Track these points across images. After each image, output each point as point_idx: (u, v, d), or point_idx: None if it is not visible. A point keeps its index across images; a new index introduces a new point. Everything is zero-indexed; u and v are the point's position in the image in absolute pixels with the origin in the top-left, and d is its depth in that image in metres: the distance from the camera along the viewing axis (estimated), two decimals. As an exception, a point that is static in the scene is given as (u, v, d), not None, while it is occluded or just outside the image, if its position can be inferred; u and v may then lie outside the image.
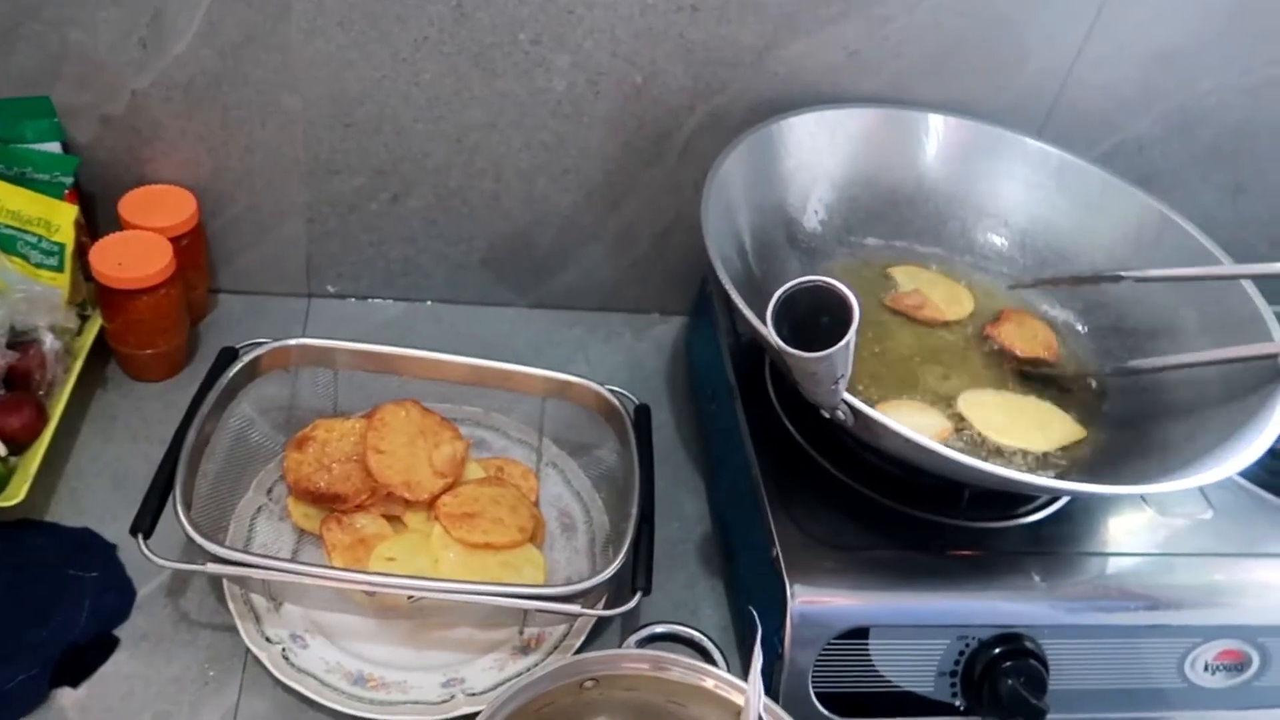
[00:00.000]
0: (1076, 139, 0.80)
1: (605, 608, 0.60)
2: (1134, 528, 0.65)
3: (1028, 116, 0.80)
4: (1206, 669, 0.63)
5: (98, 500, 0.67)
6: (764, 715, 0.46)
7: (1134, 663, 0.62)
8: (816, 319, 0.48)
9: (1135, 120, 0.82)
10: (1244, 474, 0.68)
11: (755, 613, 0.57)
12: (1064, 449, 0.65)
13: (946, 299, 0.73)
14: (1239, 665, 0.63)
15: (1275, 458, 0.71)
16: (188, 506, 0.57)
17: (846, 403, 0.52)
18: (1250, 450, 0.57)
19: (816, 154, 0.75)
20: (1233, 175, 0.86)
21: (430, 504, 0.66)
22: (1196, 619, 0.62)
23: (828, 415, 0.55)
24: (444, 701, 0.58)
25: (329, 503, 0.65)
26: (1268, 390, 0.61)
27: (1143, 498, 0.67)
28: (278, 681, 0.58)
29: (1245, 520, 0.67)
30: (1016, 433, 0.65)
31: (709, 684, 0.53)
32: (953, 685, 0.60)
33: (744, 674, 0.56)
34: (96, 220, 0.76)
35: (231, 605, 0.60)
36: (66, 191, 0.72)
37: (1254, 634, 0.62)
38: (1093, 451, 0.65)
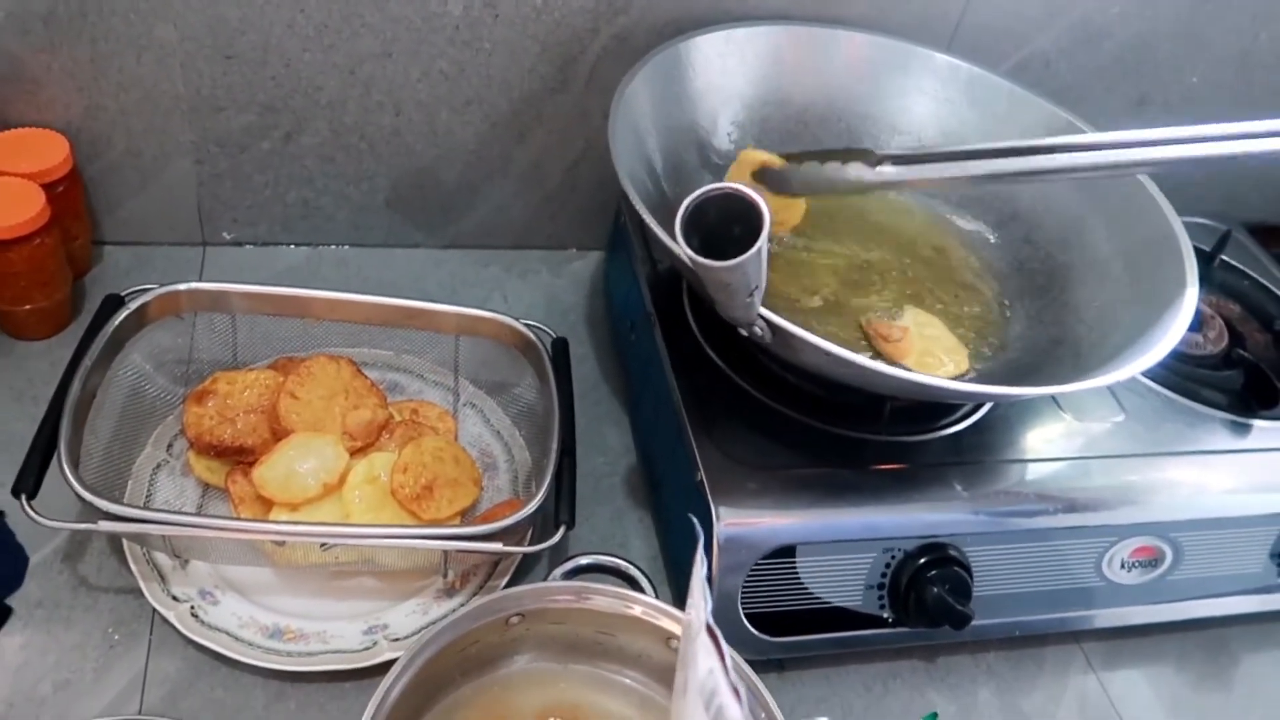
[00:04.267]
0: (984, 55, 0.79)
1: (530, 545, 0.59)
2: (1051, 434, 0.66)
3: (935, 32, 0.79)
4: (1123, 566, 0.64)
5: (-20, 466, 0.62)
6: (711, 622, 0.44)
7: (1054, 564, 0.63)
8: (728, 229, 0.46)
9: (1040, 33, 0.82)
10: (1152, 376, 0.70)
11: (695, 519, 0.55)
12: (981, 358, 0.66)
13: (929, 352, 0.65)
14: (1153, 561, 0.65)
15: (1180, 360, 0.73)
16: (75, 464, 0.53)
17: (763, 317, 0.51)
18: (1154, 352, 0.58)
19: (726, 74, 0.73)
20: (1135, 87, 0.87)
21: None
22: (1112, 519, 0.63)
23: (745, 333, 0.54)
24: (366, 649, 0.56)
25: (234, 456, 0.62)
26: (1172, 294, 0.62)
27: (1058, 404, 0.68)
28: (189, 641, 0.55)
29: (1154, 422, 0.69)
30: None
31: (636, 610, 0.53)
32: (880, 597, 0.60)
33: (673, 601, 0.55)
34: (-43, 169, 0.70)
35: (134, 566, 0.57)
36: (-82, 137, 0.66)
37: (1166, 530, 0.64)
38: (1008, 359, 0.66)
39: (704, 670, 0.40)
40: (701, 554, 0.41)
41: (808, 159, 0.63)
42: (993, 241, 0.74)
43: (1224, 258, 0.84)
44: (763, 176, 0.65)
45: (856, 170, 0.59)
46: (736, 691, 0.38)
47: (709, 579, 0.56)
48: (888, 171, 0.59)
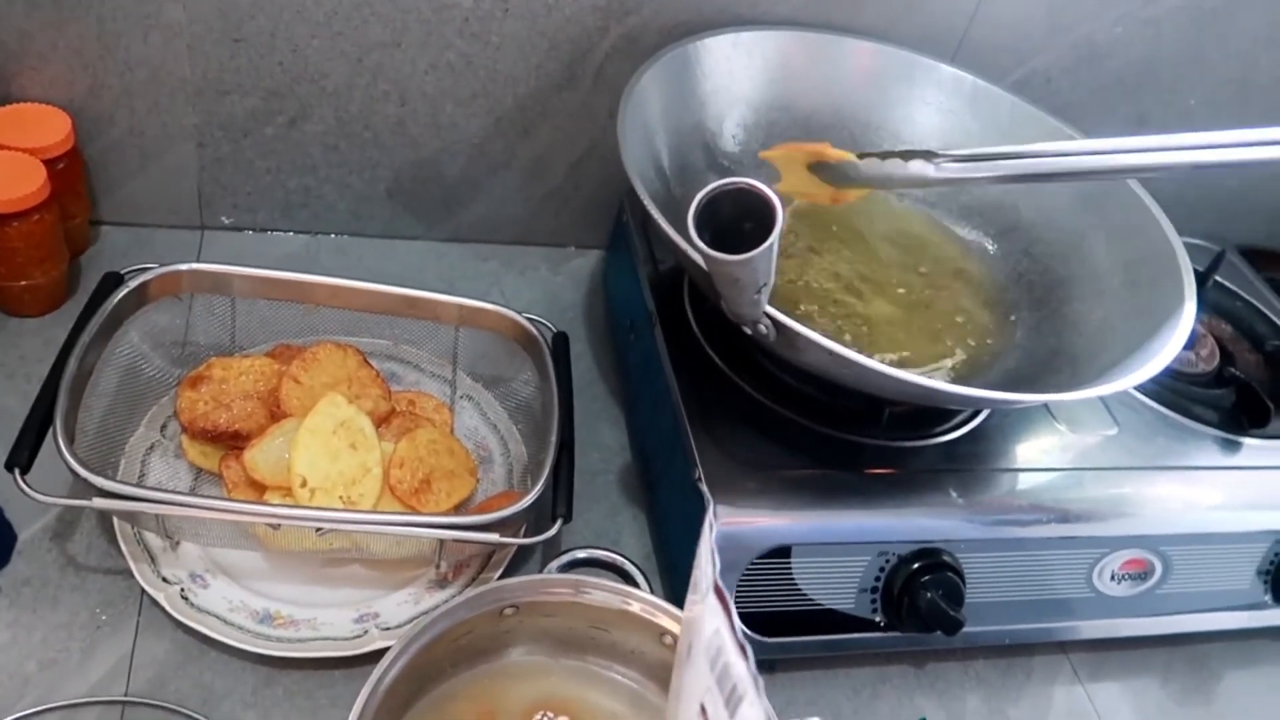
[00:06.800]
0: (987, 69, 0.80)
1: (526, 537, 0.59)
2: (1046, 445, 0.67)
3: (941, 44, 0.80)
4: (1113, 578, 0.65)
5: (-31, 443, 0.62)
6: (720, 583, 0.42)
7: (1045, 574, 0.63)
8: (739, 226, 0.46)
9: (1044, 51, 0.83)
10: (1146, 392, 0.71)
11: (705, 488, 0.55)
12: (979, 366, 0.66)
13: None
14: (1143, 574, 0.65)
15: (1173, 377, 0.74)
16: (70, 439, 0.53)
17: (769, 315, 0.51)
18: (1150, 365, 0.58)
19: (733, 77, 0.73)
20: (1136, 106, 0.88)
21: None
22: (1103, 530, 0.63)
23: (750, 330, 0.54)
24: (357, 637, 0.56)
25: (228, 441, 0.61)
26: (1170, 310, 0.63)
27: (1052, 415, 0.68)
28: (177, 623, 0.55)
29: (1147, 436, 0.70)
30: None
31: (634, 607, 0.52)
32: (873, 601, 0.60)
33: (667, 598, 0.55)
34: (-43, 142, 0.70)
35: (124, 546, 0.56)
36: (-81, 108, 0.66)
37: (1156, 543, 0.65)
38: (1005, 368, 0.66)
39: (710, 630, 0.40)
40: (711, 519, 0.41)
41: (867, 156, 0.62)
42: (992, 252, 0.75)
43: (1217, 278, 0.85)
44: (819, 169, 0.63)
45: (919, 166, 0.58)
46: (744, 649, 0.37)
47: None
48: (950, 167, 0.58)
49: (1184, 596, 0.67)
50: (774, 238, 0.44)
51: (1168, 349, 0.59)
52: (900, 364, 0.64)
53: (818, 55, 0.76)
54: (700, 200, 0.45)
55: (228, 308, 0.66)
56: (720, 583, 0.38)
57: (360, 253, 0.82)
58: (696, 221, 0.45)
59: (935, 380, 0.53)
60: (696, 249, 0.46)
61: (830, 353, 0.52)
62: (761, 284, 0.48)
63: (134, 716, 0.53)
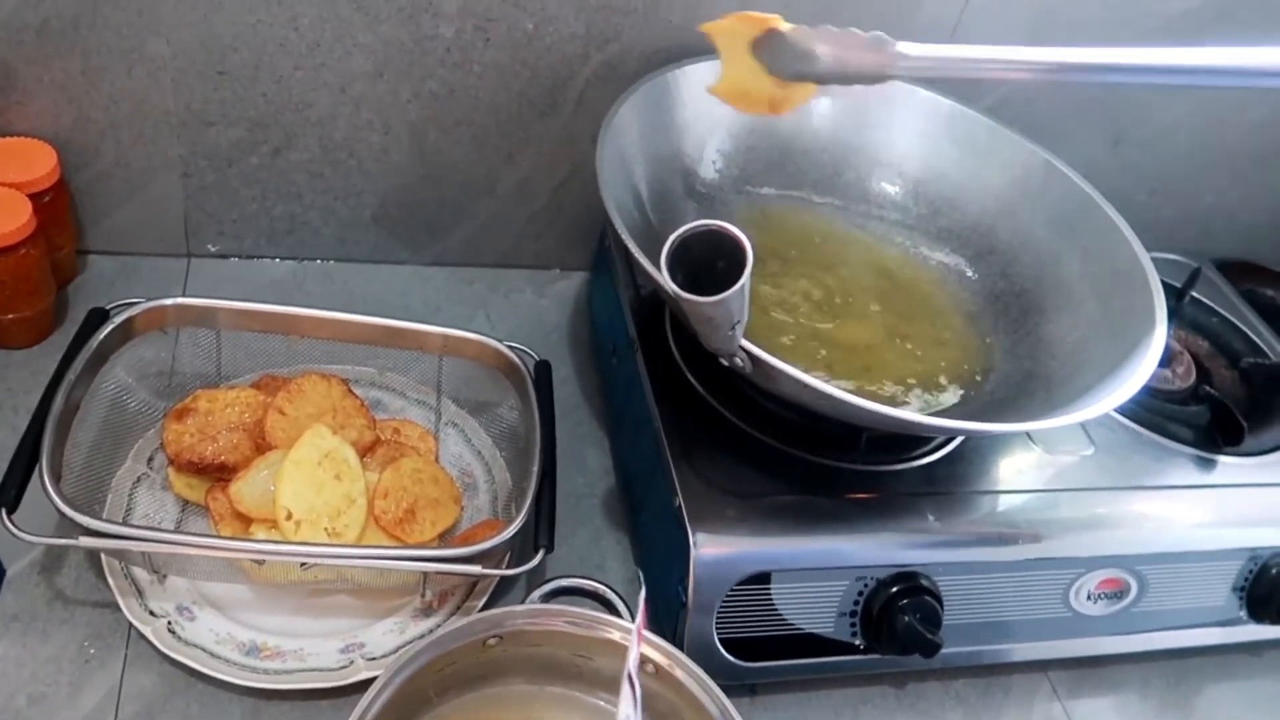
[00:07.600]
0: (966, 90, 0.81)
1: (508, 567, 0.59)
2: (1022, 466, 0.68)
3: (919, 67, 0.81)
4: (1089, 598, 0.66)
5: (-42, 476, 0.62)
6: (633, 673, 0.47)
7: (1023, 595, 0.64)
8: (712, 264, 0.47)
9: (1021, 71, 0.84)
10: (1121, 411, 0.72)
11: (642, 574, 0.57)
12: (956, 391, 0.67)
13: None
14: (1119, 593, 0.66)
15: (1150, 395, 0.75)
16: (56, 477, 0.53)
17: (744, 349, 0.52)
18: (1124, 390, 0.59)
19: (712, 104, 0.74)
20: (1112, 126, 0.89)
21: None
22: (1080, 550, 0.64)
23: (726, 363, 0.55)
24: (343, 668, 0.57)
25: (214, 473, 0.62)
26: (1142, 333, 0.64)
27: (1029, 437, 0.69)
28: (165, 657, 0.56)
29: (1123, 455, 0.70)
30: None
31: (614, 635, 0.53)
32: (852, 625, 0.61)
33: (649, 625, 0.56)
34: (-56, 177, 0.70)
35: (111, 580, 0.57)
36: (-94, 144, 0.66)
37: (1132, 562, 0.66)
38: (982, 392, 0.67)
39: (623, 716, 0.43)
40: (643, 603, 0.44)
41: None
42: (970, 276, 0.76)
43: (1194, 294, 0.86)
44: (764, 48, 0.56)
45: (877, 58, 0.53)
46: None
47: (684, 604, 0.58)
48: (907, 48, 0.52)
49: (1160, 614, 0.68)
50: (745, 279, 0.45)
51: (1139, 374, 0.60)
52: (876, 391, 0.65)
53: (796, 81, 0.76)
54: (672, 243, 0.46)
55: (213, 340, 0.66)
56: (634, 673, 0.42)
57: (346, 278, 0.83)
58: (669, 263, 0.46)
59: (909, 412, 0.53)
60: (670, 291, 0.46)
61: (805, 385, 0.53)
62: (735, 321, 0.49)
63: (122, 750, 0.54)
